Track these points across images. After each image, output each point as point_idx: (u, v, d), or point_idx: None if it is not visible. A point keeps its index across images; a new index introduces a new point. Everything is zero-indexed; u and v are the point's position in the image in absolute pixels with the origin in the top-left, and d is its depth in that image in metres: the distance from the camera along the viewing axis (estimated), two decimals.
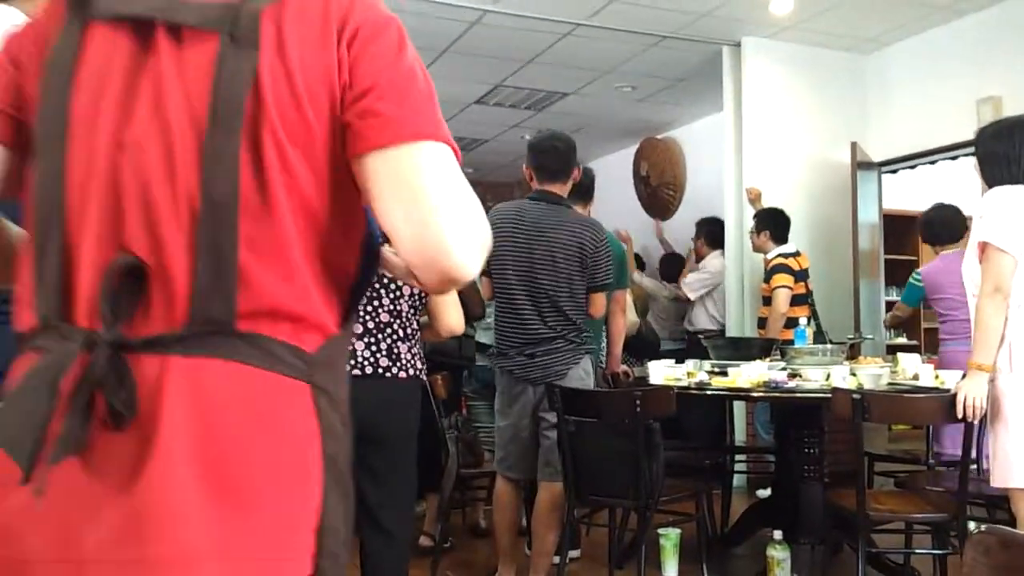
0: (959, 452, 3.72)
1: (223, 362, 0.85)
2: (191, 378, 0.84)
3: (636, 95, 6.92)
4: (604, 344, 4.09)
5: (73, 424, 0.82)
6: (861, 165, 5.57)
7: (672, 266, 6.77)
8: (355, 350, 2.46)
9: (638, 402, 2.98)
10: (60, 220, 0.89)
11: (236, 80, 0.87)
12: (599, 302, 3.33)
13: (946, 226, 4.39)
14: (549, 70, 6.25)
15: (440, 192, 0.90)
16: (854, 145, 5.52)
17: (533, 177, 3.36)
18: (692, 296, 5.95)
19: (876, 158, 5.82)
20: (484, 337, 4.69)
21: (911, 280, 4.72)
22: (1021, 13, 4.93)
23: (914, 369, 3.44)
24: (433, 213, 0.88)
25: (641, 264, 7.05)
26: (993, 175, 2.78)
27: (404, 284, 2.48)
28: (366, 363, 2.46)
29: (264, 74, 0.88)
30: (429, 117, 0.92)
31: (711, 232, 6.13)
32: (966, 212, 4.34)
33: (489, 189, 10.70)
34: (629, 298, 5.84)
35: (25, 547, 0.83)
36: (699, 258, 6.29)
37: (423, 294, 2.54)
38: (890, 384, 3.29)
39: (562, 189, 3.33)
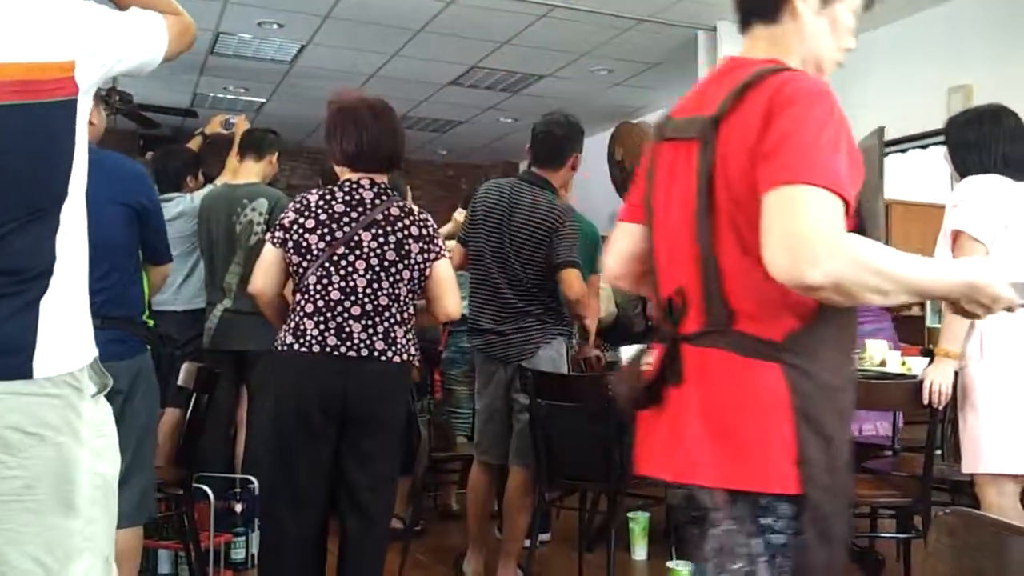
0: (879, 433, 3.88)
1: (719, 350, 1.34)
2: (702, 360, 1.36)
3: (612, 78, 6.91)
4: (576, 328, 4.09)
5: (655, 386, 1.41)
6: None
7: None
8: (352, 332, 2.43)
9: (609, 386, 2.99)
10: (654, 266, 1.50)
11: (703, 169, 1.34)
12: (568, 280, 3.17)
13: None
14: (525, 52, 6.22)
15: (802, 224, 1.20)
16: (881, 130, 5.31)
17: (532, 159, 3.38)
18: None
19: None
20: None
21: None
22: (992, 3, 4.97)
23: (881, 355, 3.47)
24: (793, 241, 1.20)
25: None
26: (964, 164, 2.80)
27: (405, 268, 2.48)
28: (362, 345, 2.43)
29: (718, 162, 1.33)
30: (804, 165, 1.22)
31: None
32: (937, 200, 4.40)
33: (464, 171, 10.65)
34: (606, 286, 5.85)
35: (644, 457, 1.49)
36: None
37: (421, 278, 2.52)
38: (857, 370, 3.32)
39: (554, 175, 3.32)
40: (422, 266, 2.51)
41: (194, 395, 3.19)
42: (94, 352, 1.42)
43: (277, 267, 2.55)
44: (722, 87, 1.38)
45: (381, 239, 2.47)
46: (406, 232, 2.49)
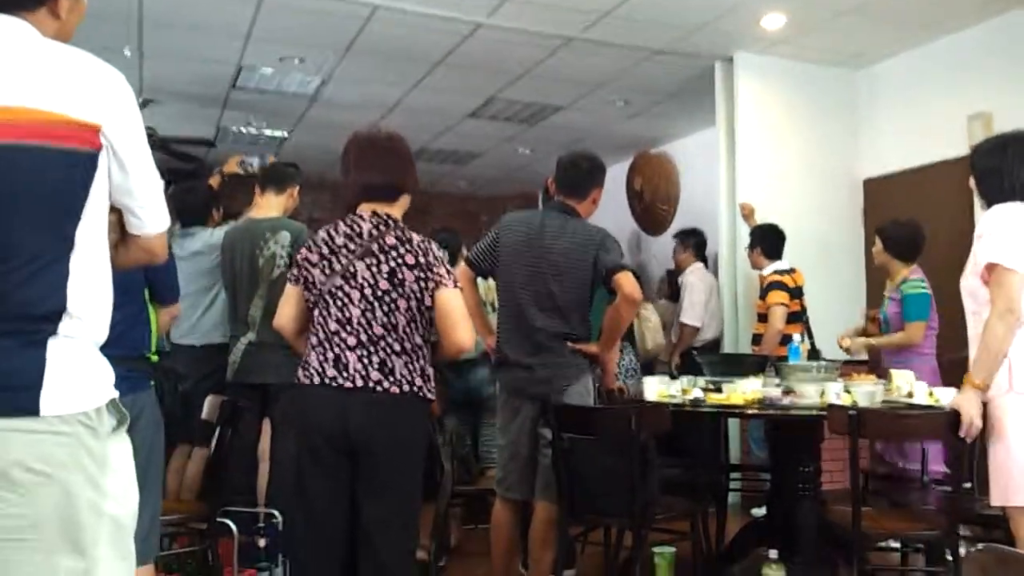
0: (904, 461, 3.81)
1: None
2: None
3: (629, 109, 6.93)
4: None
5: None
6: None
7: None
8: (348, 362, 2.43)
9: (634, 419, 2.96)
10: None
11: None
12: (623, 281, 3.14)
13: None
14: (542, 84, 6.26)
15: None
16: None
17: (556, 189, 3.41)
18: (699, 324, 5.96)
19: (866, 174, 5.85)
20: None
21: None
22: (1010, 30, 4.96)
23: (908, 386, 3.43)
24: None
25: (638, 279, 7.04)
26: (989, 191, 2.78)
27: (400, 297, 2.46)
28: (357, 376, 2.42)
29: None
30: None
31: (697, 243, 6.22)
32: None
33: (483, 203, 10.68)
34: (656, 318, 5.89)
35: None
36: (679, 267, 6.31)
37: (425, 308, 2.48)
38: (884, 401, 3.29)
39: (578, 206, 3.35)
40: (419, 294, 2.47)
41: (218, 429, 3.20)
42: (113, 393, 1.41)
43: (295, 303, 2.59)
44: None
45: (374, 268, 2.47)
46: (400, 260, 2.47)
